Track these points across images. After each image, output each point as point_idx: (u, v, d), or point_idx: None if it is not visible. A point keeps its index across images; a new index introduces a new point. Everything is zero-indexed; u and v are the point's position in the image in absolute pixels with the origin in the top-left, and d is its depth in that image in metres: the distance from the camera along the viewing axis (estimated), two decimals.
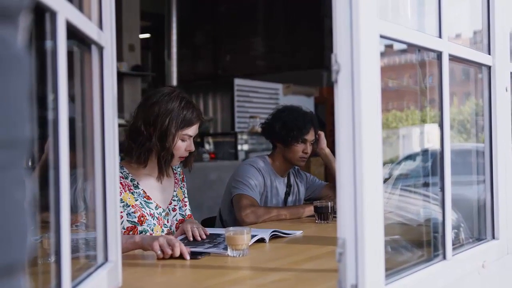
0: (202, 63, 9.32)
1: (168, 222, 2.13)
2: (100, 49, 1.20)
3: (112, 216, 1.22)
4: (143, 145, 2.01)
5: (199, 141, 6.62)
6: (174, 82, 7.57)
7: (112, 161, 1.23)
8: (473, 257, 1.52)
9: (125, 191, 2.03)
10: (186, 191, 2.29)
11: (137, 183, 2.08)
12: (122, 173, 2.05)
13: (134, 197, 2.04)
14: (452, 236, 1.47)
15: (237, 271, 1.58)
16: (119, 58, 6.62)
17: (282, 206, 2.75)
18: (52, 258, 0.94)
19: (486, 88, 1.67)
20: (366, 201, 1.03)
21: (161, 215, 2.10)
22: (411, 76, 1.84)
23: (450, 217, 1.38)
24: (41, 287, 1.00)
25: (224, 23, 9.02)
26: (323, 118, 6.74)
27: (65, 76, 0.91)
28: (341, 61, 1.04)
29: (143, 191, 2.08)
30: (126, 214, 2.00)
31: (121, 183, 2.02)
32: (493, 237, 1.65)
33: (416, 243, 1.54)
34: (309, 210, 2.57)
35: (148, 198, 2.08)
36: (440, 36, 1.37)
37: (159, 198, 2.13)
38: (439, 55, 1.37)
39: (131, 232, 1.99)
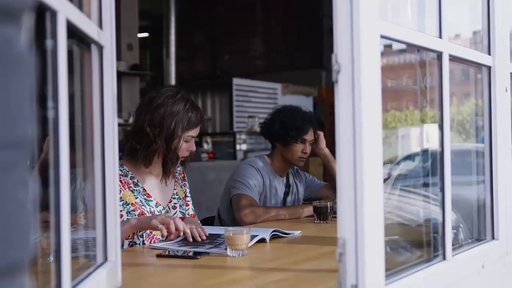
0: (201, 62, 9.32)
1: None
2: (100, 48, 1.20)
3: (112, 216, 1.22)
4: (149, 146, 2.03)
5: (197, 140, 6.61)
6: (173, 81, 7.56)
7: (112, 160, 1.23)
8: (473, 258, 1.52)
9: (125, 189, 2.04)
10: (188, 190, 2.30)
11: (137, 181, 2.09)
12: (121, 171, 2.06)
13: (134, 195, 2.05)
14: (452, 236, 1.47)
15: (236, 271, 1.58)
16: (118, 57, 6.58)
17: (281, 206, 2.75)
18: (51, 258, 0.94)
19: (486, 89, 1.67)
20: (366, 201, 1.03)
21: (161, 213, 2.11)
22: (410, 76, 1.84)
23: (450, 217, 1.38)
24: (41, 287, 0.99)
25: (223, 23, 9.02)
26: (322, 118, 6.74)
27: (66, 75, 0.91)
28: (341, 61, 1.04)
29: (143, 189, 2.09)
30: (126, 213, 2.01)
31: (120, 181, 2.03)
32: (493, 238, 1.65)
33: (416, 243, 1.54)
34: (308, 210, 2.57)
35: (148, 196, 2.09)
36: (440, 37, 1.37)
37: (159, 196, 2.14)
38: (439, 55, 1.37)
39: None
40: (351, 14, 1.03)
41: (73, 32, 1.02)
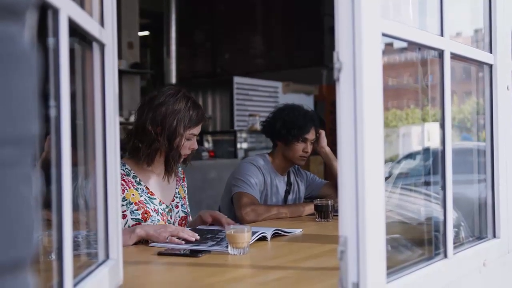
0: (201, 61, 9.32)
1: (171, 218, 2.15)
2: (102, 46, 1.20)
3: (113, 214, 1.22)
4: (151, 145, 2.04)
5: (198, 139, 6.60)
6: (173, 80, 7.57)
7: (113, 158, 1.23)
8: (474, 256, 1.52)
9: (129, 188, 2.04)
10: (186, 190, 2.31)
11: (140, 180, 2.09)
12: (124, 170, 2.06)
13: (139, 193, 2.06)
14: (453, 235, 1.47)
15: (237, 269, 1.58)
16: (118, 55, 6.58)
17: (282, 205, 2.75)
18: (53, 256, 0.94)
19: (487, 87, 1.67)
20: (368, 198, 1.03)
21: (164, 211, 2.12)
22: (411, 75, 1.83)
23: (451, 215, 1.38)
24: (43, 285, 0.99)
25: (223, 21, 9.01)
26: (323, 117, 6.75)
27: (68, 74, 0.91)
28: (343, 59, 1.04)
29: (146, 187, 2.09)
30: (130, 212, 2.01)
31: (124, 180, 2.03)
32: (494, 236, 1.65)
33: (417, 241, 1.54)
34: (309, 208, 2.57)
35: (152, 194, 2.10)
36: (441, 35, 1.37)
37: (162, 195, 2.14)
38: (440, 53, 1.37)
39: None
40: (352, 12, 1.03)
41: (75, 30, 1.02)
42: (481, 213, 1.71)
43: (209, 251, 1.73)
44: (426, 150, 1.81)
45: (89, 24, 1.08)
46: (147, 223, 2.01)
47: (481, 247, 1.57)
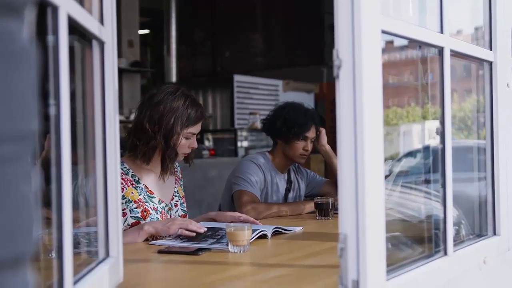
0: (202, 59, 9.31)
1: (171, 217, 2.15)
2: (101, 44, 1.20)
3: (113, 212, 1.22)
4: (148, 143, 2.03)
5: (198, 137, 6.60)
6: (173, 78, 7.56)
7: (113, 156, 1.23)
8: (474, 253, 1.52)
9: (128, 186, 2.04)
10: (183, 189, 2.32)
11: (138, 178, 2.09)
12: (122, 169, 2.06)
13: (138, 192, 2.06)
14: (453, 232, 1.47)
15: (237, 267, 1.58)
16: (118, 54, 6.56)
17: (282, 203, 2.75)
18: (53, 254, 0.94)
19: (487, 84, 1.67)
20: (368, 196, 1.03)
21: (164, 210, 2.12)
22: (412, 73, 1.83)
23: (452, 213, 1.38)
24: (43, 283, 1.00)
25: (223, 20, 9.01)
26: (323, 115, 6.74)
27: (67, 71, 0.91)
28: (342, 56, 1.04)
29: (145, 186, 2.09)
30: (129, 210, 2.01)
31: (122, 178, 2.03)
32: (494, 233, 1.65)
33: (417, 239, 1.54)
34: (310, 206, 2.57)
35: (151, 192, 2.10)
36: (441, 32, 1.36)
37: (161, 193, 2.14)
38: (440, 50, 1.37)
39: None
40: (352, 9, 1.03)
41: (74, 28, 1.02)
42: (481, 211, 1.71)
43: (209, 249, 1.73)
44: (427, 148, 1.82)
45: (88, 22, 1.08)
46: (146, 221, 2.01)
47: (481, 245, 1.57)
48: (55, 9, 0.89)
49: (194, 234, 1.90)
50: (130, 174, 2.08)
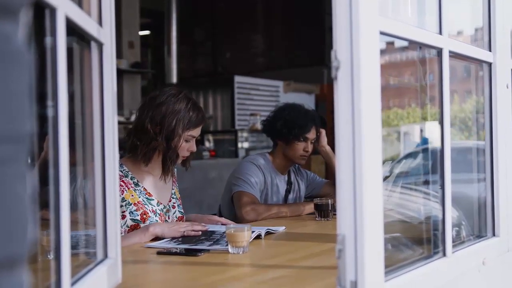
0: (202, 60, 9.32)
1: (169, 218, 2.15)
2: (100, 45, 1.20)
3: (112, 213, 1.22)
4: (149, 144, 2.04)
5: (199, 139, 6.60)
6: (174, 79, 7.56)
7: (112, 157, 1.23)
8: (473, 254, 1.52)
9: (128, 189, 2.04)
10: (179, 191, 2.33)
11: (137, 180, 2.09)
12: (122, 171, 2.07)
13: (137, 194, 2.06)
14: (454, 234, 1.47)
15: (237, 268, 1.58)
16: (119, 55, 6.62)
17: (282, 204, 2.75)
18: (52, 255, 0.94)
19: (486, 85, 1.67)
20: (366, 197, 1.03)
21: (162, 211, 2.12)
22: (412, 74, 1.83)
23: (450, 214, 1.38)
24: (41, 284, 1.00)
25: (224, 20, 9.01)
26: (324, 116, 6.74)
27: (65, 73, 0.91)
28: (341, 57, 1.04)
29: (144, 188, 2.10)
30: (129, 213, 2.02)
31: (122, 181, 2.04)
32: (494, 234, 1.65)
33: (416, 240, 1.54)
34: (309, 207, 2.57)
35: (150, 195, 2.10)
36: (440, 33, 1.36)
37: (159, 195, 2.15)
38: (439, 51, 1.37)
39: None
40: (350, 11, 1.03)
41: (73, 29, 1.02)
42: (480, 212, 1.71)
43: (208, 250, 1.73)
44: (427, 149, 1.81)
45: (87, 23, 1.08)
46: (145, 224, 2.02)
47: (481, 246, 1.57)
48: (53, 10, 0.89)
49: (200, 232, 1.95)
50: (130, 176, 2.09)
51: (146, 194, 2.09)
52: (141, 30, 7.48)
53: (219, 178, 5.28)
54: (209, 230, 2.03)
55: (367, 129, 1.04)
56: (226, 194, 2.74)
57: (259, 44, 8.89)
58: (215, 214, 2.89)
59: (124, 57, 6.75)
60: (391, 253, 1.27)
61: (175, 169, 2.31)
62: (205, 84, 8.11)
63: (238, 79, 7.43)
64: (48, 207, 0.89)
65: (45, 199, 0.90)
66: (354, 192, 1.03)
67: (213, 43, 9.24)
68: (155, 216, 2.08)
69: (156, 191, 2.14)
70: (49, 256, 1.19)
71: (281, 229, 2.15)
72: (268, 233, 2.05)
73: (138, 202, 2.05)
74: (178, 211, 2.23)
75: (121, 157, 2.08)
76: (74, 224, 1.23)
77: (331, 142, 2.56)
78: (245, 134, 6.90)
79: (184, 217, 2.27)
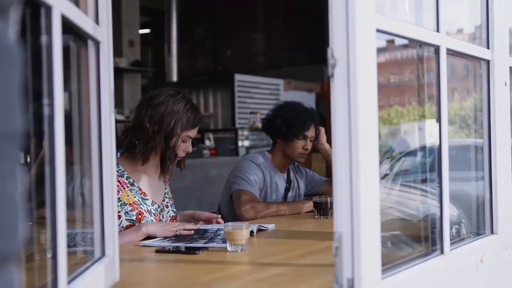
0: (202, 59, 9.32)
1: (163, 218, 2.16)
2: (97, 44, 1.20)
3: (109, 211, 1.23)
4: (148, 143, 2.05)
5: (199, 137, 6.61)
6: (174, 78, 7.56)
7: (109, 156, 1.23)
8: (472, 252, 1.52)
9: (124, 189, 2.05)
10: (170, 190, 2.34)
11: (132, 180, 2.10)
12: (118, 171, 2.07)
13: (133, 194, 2.07)
14: (453, 231, 1.47)
15: (235, 266, 1.58)
16: (119, 53, 6.62)
17: (281, 202, 2.75)
18: (50, 253, 0.94)
19: (485, 83, 1.66)
20: (362, 194, 1.03)
21: (156, 211, 2.13)
22: (412, 71, 1.83)
23: (448, 211, 1.38)
24: (38, 282, 1.00)
25: (224, 19, 9.01)
26: (325, 114, 6.73)
27: (61, 71, 0.91)
28: (337, 55, 1.04)
29: (139, 188, 2.10)
30: (124, 213, 2.02)
31: (118, 181, 2.04)
32: (492, 232, 1.65)
33: (415, 238, 1.54)
34: (309, 205, 2.57)
35: (144, 194, 2.11)
36: (437, 30, 1.36)
37: (153, 195, 2.16)
38: (436, 49, 1.37)
39: None
40: (346, 8, 1.03)
41: (69, 28, 1.02)
42: (479, 209, 1.71)
43: (207, 248, 1.74)
44: (427, 147, 1.81)
45: (83, 21, 1.08)
46: (142, 223, 2.02)
47: (479, 243, 1.57)
48: (48, 9, 0.89)
49: (192, 231, 1.96)
50: (125, 176, 2.09)
51: (141, 194, 2.10)
52: (141, 28, 7.48)
53: (220, 176, 5.27)
54: (201, 228, 2.04)
55: (364, 127, 1.04)
56: (226, 192, 2.74)
57: (259, 42, 8.88)
58: (214, 212, 2.89)
59: (124, 55, 6.75)
60: (388, 250, 1.27)
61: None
62: (205, 82, 8.11)
63: (238, 77, 7.42)
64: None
65: (44, 198, 0.90)
66: (351, 190, 1.03)
67: (213, 42, 9.23)
68: (150, 216, 2.09)
69: (151, 191, 2.15)
70: (48, 254, 1.19)
71: (271, 226, 2.16)
72: (259, 230, 2.07)
73: (133, 202, 2.06)
74: (172, 210, 2.24)
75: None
76: (73, 222, 1.24)
77: (331, 140, 2.57)
78: (245, 133, 6.90)
79: (178, 216, 2.27)
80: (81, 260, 1.18)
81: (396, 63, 1.72)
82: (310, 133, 2.74)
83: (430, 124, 1.69)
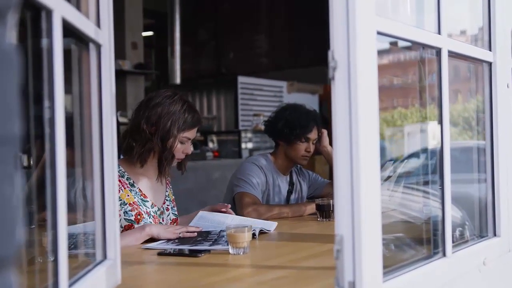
0: (206, 61, 9.31)
1: (163, 220, 2.16)
2: (98, 47, 1.20)
3: (111, 214, 1.23)
4: (145, 144, 2.05)
5: (202, 139, 6.62)
6: (178, 80, 7.57)
7: (111, 159, 1.23)
8: (474, 254, 1.52)
9: (124, 189, 2.05)
10: (173, 193, 2.33)
11: (133, 181, 2.10)
12: (118, 171, 2.07)
13: (133, 195, 2.07)
14: (457, 234, 1.46)
15: (237, 268, 1.58)
16: (122, 56, 6.63)
17: (284, 204, 2.75)
18: (52, 257, 0.94)
19: (487, 85, 1.66)
20: (363, 197, 1.03)
21: (156, 214, 2.13)
22: (415, 73, 1.83)
23: (450, 214, 1.37)
24: (40, 285, 1.00)
25: (227, 21, 9.01)
26: (327, 116, 6.73)
27: (61, 75, 0.92)
28: (338, 57, 1.04)
29: (139, 189, 2.11)
30: (123, 213, 2.03)
31: (119, 180, 2.04)
32: (495, 234, 1.64)
33: (417, 240, 1.54)
34: (311, 208, 2.57)
35: (145, 196, 2.11)
36: (439, 33, 1.36)
37: (154, 197, 2.16)
38: (438, 51, 1.37)
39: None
40: (347, 10, 1.03)
41: (70, 31, 1.02)
42: (481, 212, 1.70)
43: (209, 251, 1.73)
44: (430, 149, 1.81)
45: (84, 25, 1.09)
46: (139, 225, 2.03)
47: (481, 246, 1.57)
48: (49, 12, 0.89)
49: (195, 234, 1.96)
50: (126, 176, 2.09)
51: (141, 195, 2.10)
52: (144, 31, 7.48)
53: (223, 178, 5.27)
54: (204, 231, 2.04)
55: (364, 129, 1.04)
56: (228, 194, 2.74)
57: (262, 44, 8.88)
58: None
59: (128, 58, 6.76)
60: (390, 253, 1.27)
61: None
62: (208, 84, 8.12)
63: (241, 79, 7.43)
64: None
65: (46, 201, 0.90)
66: (352, 192, 1.03)
67: (216, 44, 9.24)
68: (149, 217, 2.09)
69: (151, 193, 2.15)
70: (50, 257, 1.19)
71: (274, 224, 2.15)
72: (262, 232, 2.06)
73: (133, 202, 2.06)
74: (172, 213, 2.23)
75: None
76: (75, 225, 1.24)
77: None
78: (248, 135, 6.90)
79: (179, 219, 2.27)
80: (82, 263, 1.18)
81: (399, 65, 1.72)
82: (313, 135, 2.74)
83: (433, 126, 1.69)
